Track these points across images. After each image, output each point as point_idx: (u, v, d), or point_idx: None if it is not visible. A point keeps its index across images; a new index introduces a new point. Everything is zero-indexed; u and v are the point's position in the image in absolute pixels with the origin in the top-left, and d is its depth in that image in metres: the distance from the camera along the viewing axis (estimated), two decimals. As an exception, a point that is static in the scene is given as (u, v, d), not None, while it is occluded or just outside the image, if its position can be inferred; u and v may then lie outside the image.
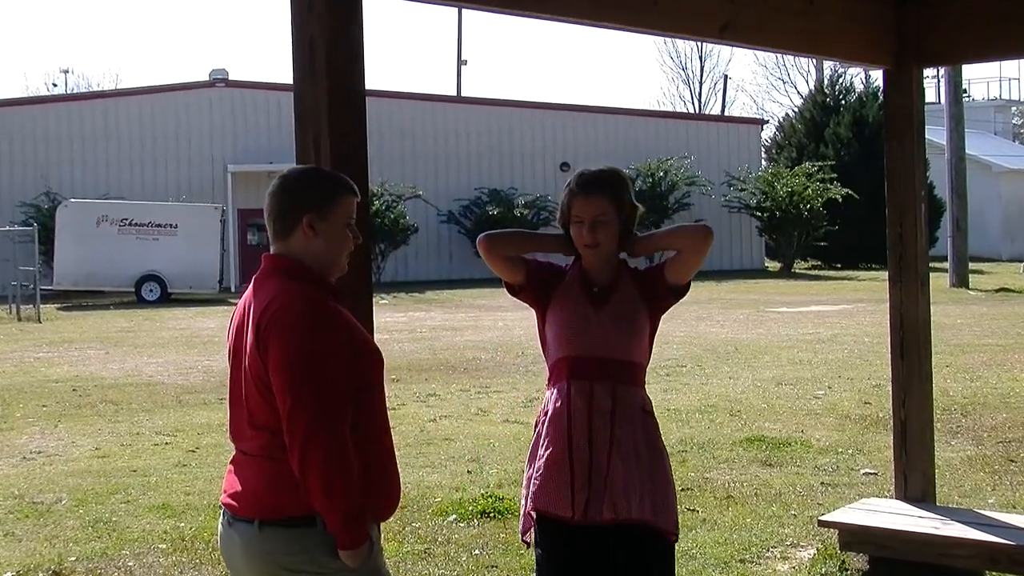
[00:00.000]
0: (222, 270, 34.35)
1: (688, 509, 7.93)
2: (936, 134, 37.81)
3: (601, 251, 4.23)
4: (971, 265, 33.18)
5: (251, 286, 3.49)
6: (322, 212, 3.41)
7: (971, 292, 29.64)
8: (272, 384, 3.27)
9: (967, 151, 33.84)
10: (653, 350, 4.51)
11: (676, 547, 4.32)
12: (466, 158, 41.03)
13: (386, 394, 3.55)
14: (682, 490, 8.72)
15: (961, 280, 31.32)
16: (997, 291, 29.79)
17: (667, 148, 42.07)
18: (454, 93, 57.20)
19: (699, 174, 41.05)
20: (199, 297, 32.72)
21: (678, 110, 71.83)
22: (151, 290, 32.89)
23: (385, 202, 36.62)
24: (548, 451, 4.25)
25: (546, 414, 4.34)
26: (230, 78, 40.55)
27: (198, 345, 20.21)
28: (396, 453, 3.56)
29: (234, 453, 3.52)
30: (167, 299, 32.40)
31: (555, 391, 4.31)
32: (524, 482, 4.37)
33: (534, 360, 16.38)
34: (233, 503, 3.43)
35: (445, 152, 40.84)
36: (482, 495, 8.37)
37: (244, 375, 3.38)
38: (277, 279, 3.40)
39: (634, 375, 4.27)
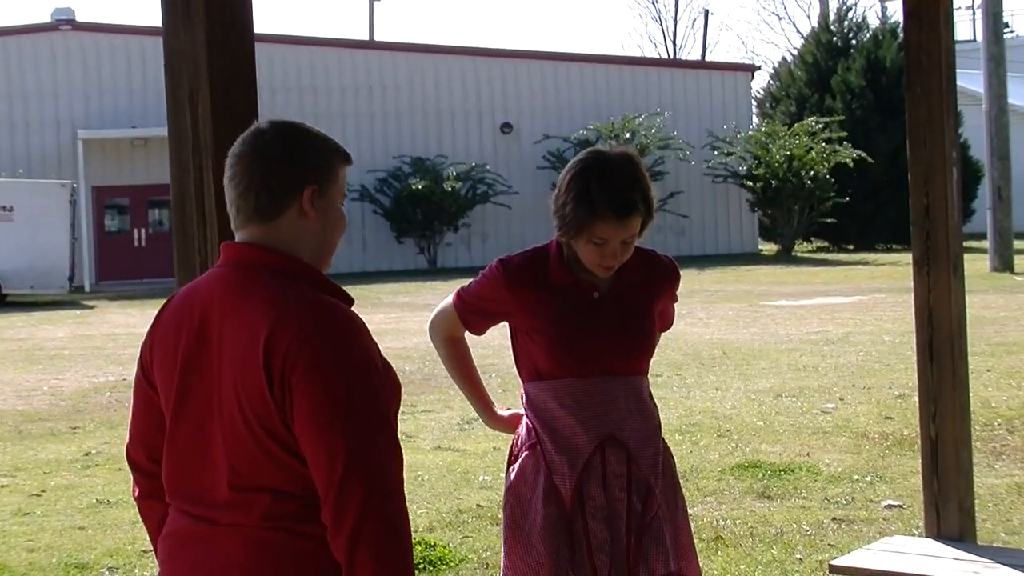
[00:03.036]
0: (73, 264, 34.09)
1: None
2: (971, 80, 38.18)
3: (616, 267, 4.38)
4: (1017, 244, 33.52)
5: (212, 290, 3.19)
6: (324, 185, 3.18)
7: (1017, 277, 29.97)
8: (300, 436, 2.99)
9: (1010, 101, 34.15)
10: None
11: None
12: (382, 119, 40.98)
13: None
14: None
15: (1004, 263, 31.65)
16: (1048, 276, 30.16)
17: (635, 103, 42.23)
18: (365, 37, 57.08)
19: (675, 135, 41.24)
20: (44, 299, 32.46)
21: (647, 55, 72.09)
22: (-20, 291, 32.63)
23: (279, 175, 36.53)
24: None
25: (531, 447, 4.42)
26: (77, 19, 40.26)
27: (43, 361, 20.06)
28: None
29: (174, 520, 3.23)
30: (1, 302, 32.12)
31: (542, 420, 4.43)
32: (506, 547, 4.40)
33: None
34: None
35: (355, 111, 40.77)
36: (409, 543, 8.38)
37: (221, 419, 3.08)
38: (267, 282, 3.11)
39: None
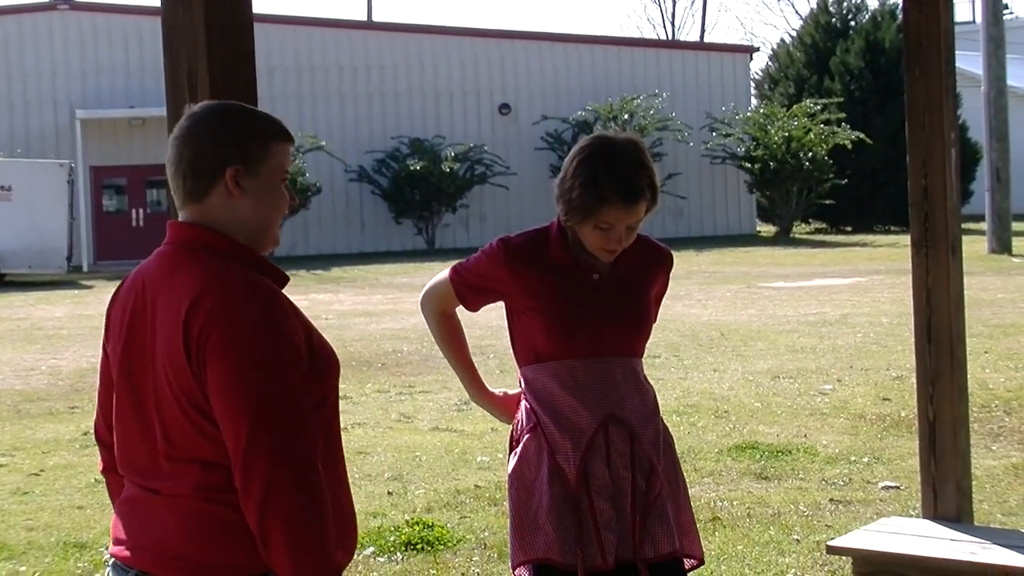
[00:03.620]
0: (71, 244, 34.09)
1: (665, 536, 7.97)
2: (970, 61, 38.12)
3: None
4: (1015, 225, 33.52)
5: (152, 266, 3.28)
6: (251, 163, 3.22)
7: (1015, 259, 29.98)
8: (213, 407, 3.08)
9: (1009, 82, 34.14)
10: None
11: None
12: (380, 99, 40.93)
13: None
14: (658, 512, 8.79)
15: (1003, 244, 31.66)
16: (1046, 258, 30.16)
17: (633, 84, 42.19)
18: (364, 17, 56.99)
19: (673, 116, 41.20)
20: (42, 279, 32.46)
21: (646, 36, 72.03)
22: (-22, 271, 32.63)
23: (277, 155, 36.49)
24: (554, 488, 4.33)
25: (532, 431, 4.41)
26: (77, -1, 40.24)
27: (41, 340, 20.07)
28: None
29: (128, 490, 3.32)
30: (0, 282, 32.12)
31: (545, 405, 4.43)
32: (513, 529, 4.41)
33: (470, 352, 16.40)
34: (136, 557, 3.20)
35: (354, 92, 40.73)
36: (407, 522, 8.38)
37: (155, 392, 3.18)
38: (200, 259, 3.18)
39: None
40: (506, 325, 4.57)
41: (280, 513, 3.03)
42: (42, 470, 10.72)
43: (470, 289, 4.53)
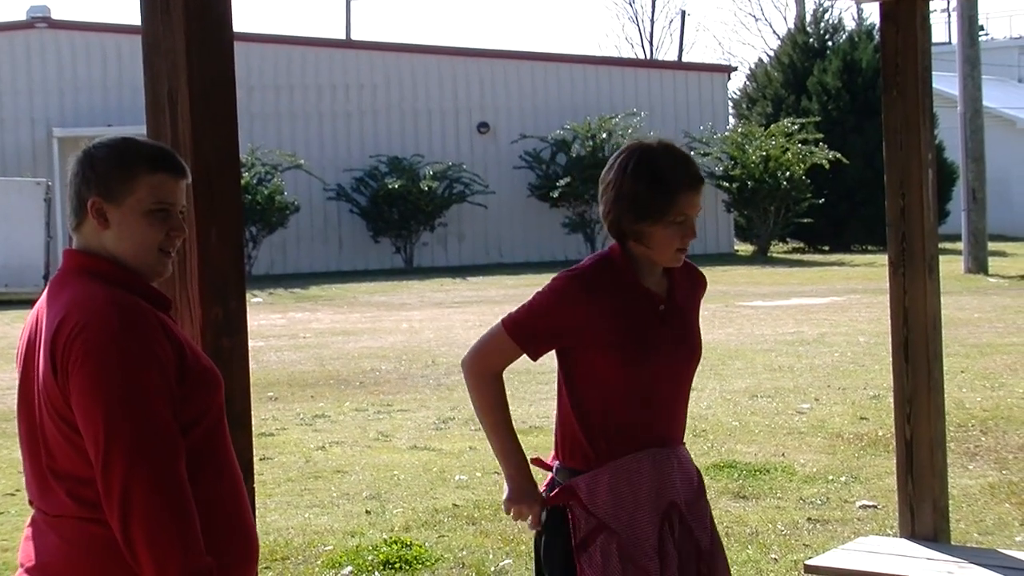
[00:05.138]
0: (48, 263, 33.96)
1: (643, 555, 7.97)
2: (946, 82, 38.29)
3: None
4: (991, 245, 33.63)
5: (46, 291, 3.41)
6: (111, 194, 3.34)
7: (991, 279, 30.07)
8: (76, 418, 3.15)
9: (985, 103, 34.27)
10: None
11: None
12: (359, 118, 40.93)
13: (228, 420, 3.47)
14: (636, 531, 8.79)
15: (979, 264, 31.74)
16: (1023, 277, 30.25)
17: (611, 103, 42.24)
18: (342, 36, 57.02)
19: (651, 135, 41.15)
20: (19, 297, 32.28)
21: (624, 55, 72.13)
22: (-45, 289, 32.48)
23: (257, 174, 36.47)
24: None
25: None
26: (53, 16, 40.14)
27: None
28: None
29: (32, 513, 3.39)
30: (-23, 300, 32.00)
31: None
32: None
33: (448, 371, 16.40)
34: None
35: (332, 111, 40.71)
36: (384, 541, 8.38)
37: (40, 411, 3.25)
38: (76, 282, 3.31)
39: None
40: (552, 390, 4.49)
41: (139, 516, 3.07)
42: (17, 490, 10.67)
43: (534, 337, 4.38)
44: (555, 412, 4.55)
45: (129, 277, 3.32)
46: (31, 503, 3.46)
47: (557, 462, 4.46)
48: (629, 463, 4.27)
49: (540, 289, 4.39)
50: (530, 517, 4.38)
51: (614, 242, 4.43)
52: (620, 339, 4.28)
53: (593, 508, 4.25)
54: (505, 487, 4.44)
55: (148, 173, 3.33)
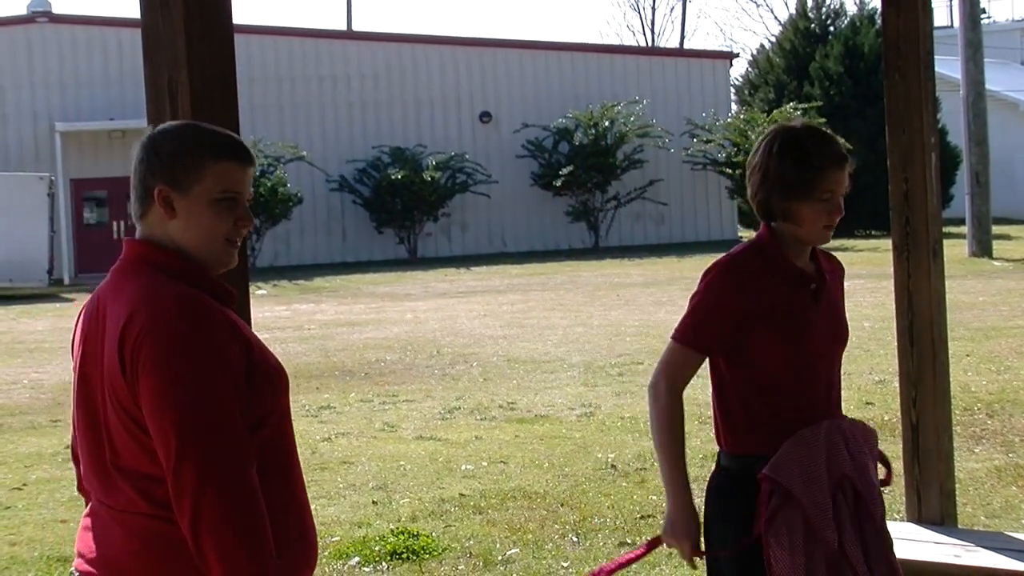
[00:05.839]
0: (52, 258, 34.00)
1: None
2: (948, 66, 38.24)
3: None
4: (995, 229, 33.61)
5: (106, 283, 3.34)
6: (180, 182, 3.25)
7: (995, 263, 30.05)
8: (146, 418, 3.10)
9: (987, 86, 34.22)
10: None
11: None
12: (361, 109, 40.91)
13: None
14: (641, 517, 8.81)
15: (983, 248, 31.73)
16: (1027, 261, 30.23)
17: (613, 91, 42.20)
18: (344, 27, 56.98)
19: (654, 122, 41.22)
20: (23, 292, 32.36)
21: (626, 43, 72.08)
22: (-41, 285, 32.53)
23: (259, 166, 36.44)
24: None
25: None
26: (54, 11, 40.13)
27: (23, 354, 20.01)
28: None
29: (91, 504, 3.34)
30: (-19, 296, 32.04)
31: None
32: None
33: (453, 361, 16.41)
34: (94, 572, 3.26)
35: (334, 102, 40.70)
36: (392, 531, 8.38)
37: (104, 406, 3.20)
38: (141, 275, 3.24)
39: None
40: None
41: (210, 522, 3.04)
42: (25, 484, 10.69)
43: (708, 338, 4.39)
44: (711, 401, 4.58)
45: (194, 270, 3.26)
46: (84, 493, 3.44)
47: (721, 450, 4.55)
48: (807, 436, 4.33)
49: (697, 291, 4.43)
50: (687, 551, 4.43)
51: (762, 227, 4.44)
52: (778, 320, 4.34)
53: (782, 481, 4.31)
54: (666, 516, 4.49)
55: (215, 161, 3.26)
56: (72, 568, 3.37)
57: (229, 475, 3.06)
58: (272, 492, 3.19)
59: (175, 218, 3.26)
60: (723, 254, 4.47)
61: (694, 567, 4.49)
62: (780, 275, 4.37)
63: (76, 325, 3.42)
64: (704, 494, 4.55)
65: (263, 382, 3.24)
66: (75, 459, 3.48)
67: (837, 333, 4.48)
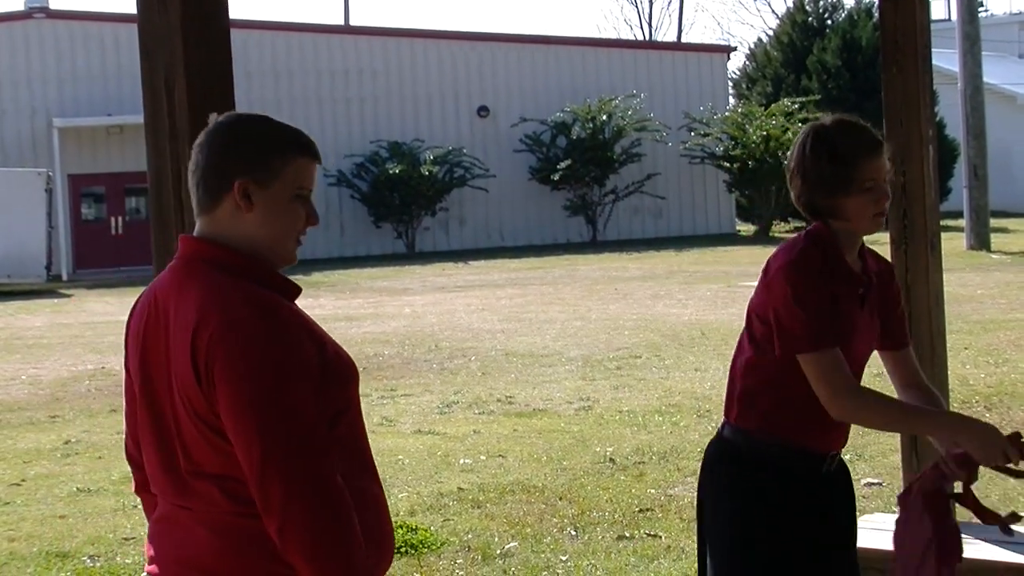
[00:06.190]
0: (50, 253, 33.99)
1: (648, 535, 7.99)
2: (946, 59, 38.21)
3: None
4: (993, 222, 33.62)
5: (164, 281, 3.23)
6: (262, 177, 3.17)
7: (993, 255, 30.06)
8: (226, 427, 3.04)
9: (985, 79, 34.23)
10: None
11: None
12: (358, 104, 40.92)
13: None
14: (640, 511, 8.81)
15: (981, 241, 31.73)
16: (1025, 253, 30.25)
17: (611, 85, 42.20)
18: (341, 22, 56.96)
19: (651, 116, 41.23)
20: (21, 288, 32.35)
21: (623, 37, 72.07)
22: (-43, 280, 32.51)
23: (256, 161, 36.42)
24: None
25: None
26: (51, 7, 40.12)
27: (21, 350, 20.01)
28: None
29: (161, 508, 3.27)
30: (-21, 291, 32.02)
31: None
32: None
33: (451, 355, 16.41)
34: (167, 573, 3.19)
35: (332, 96, 40.70)
36: (390, 527, 8.38)
37: (173, 411, 3.13)
38: (205, 274, 3.14)
39: None
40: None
41: (299, 533, 2.99)
42: (23, 480, 10.69)
43: (832, 324, 4.26)
44: (735, 373, 4.47)
45: (259, 267, 3.18)
46: (145, 496, 3.38)
47: (728, 423, 4.46)
48: None
49: (787, 299, 4.23)
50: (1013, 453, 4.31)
51: (817, 223, 4.39)
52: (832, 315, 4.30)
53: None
54: (973, 438, 4.30)
55: (295, 157, 3.22)
56: (144, 574, 3.30)
57: (315, 483, 3.01)
58: (355, 486, 3.15)
59: (251, 212, 3.17)
60: (781, 250, 4.36)
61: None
62: (837, 272, 4.33)
63: (130, 322, 3.31)
64: (701, 465, 4.55)
65: (337, 379, 3.19)
66: (132, 461, 3.42)
67: (871, 338, 4.47)
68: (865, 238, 4.45)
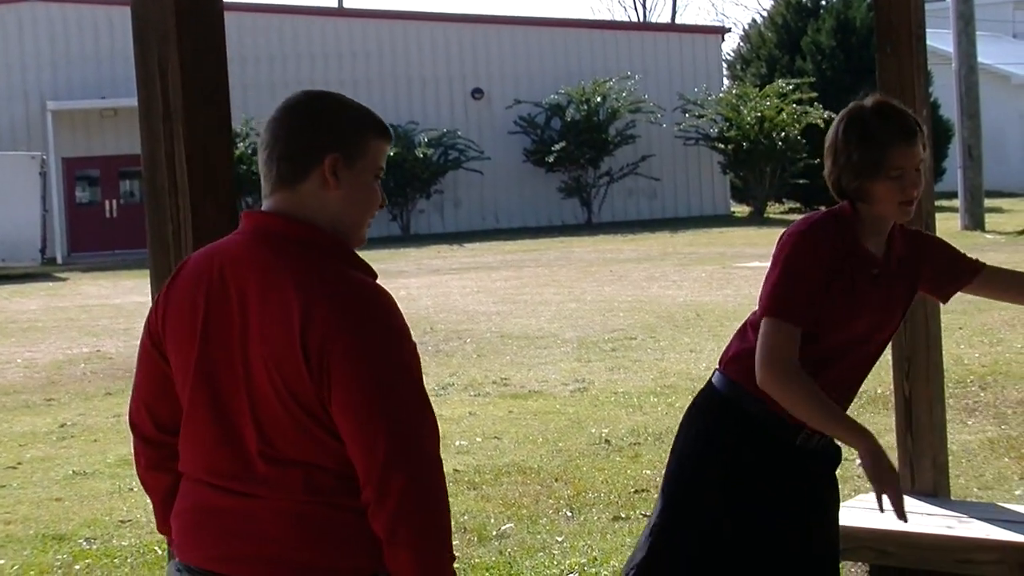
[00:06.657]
0: (44, 237, 33.98)
1: (644, 515, 8.00)
2: (940, 39, 38.18)
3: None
4: (987, 202, 33.64)
5: (235, 255, 3.13)
6: (350, 154, 3.13)
7: (987, 235, 30.08)
8: (341, 420, 2.98)
9: (979, 59, 34.20)
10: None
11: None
12: (352, 86, 40.83)
13: None
14: (635, 492, 8.82)
15: (975, 221, 31.76)
16: (1020, 233, 30.25)
17: (605, 67, 42.17)
18: (335, 4, 56.88)
19: (646, 98, 41.21)
20: (15, 271, 32.33)
21: (617, 19, 71.97)
22: (-48, 264, 32.49)
23: (251, 145, 36.38)
24: None
25: None
26: (46, -9, 40.06)
27: (16, 333, 19.99)
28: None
29: (200, 494, 3.16)
30: (-26, 275, 32.00)
31: None
32: None
33: (446, 337, 16.41)
34: (233, 568, 3.09)
35: (325, 79, 40.61)
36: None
37: (249, 390, 3.04)
38: (296, 255, 3.06)
39: None
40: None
41: (412, 526, 2.97)
42: (19, 463, 10.69)
43: (803, 306, 4.26)
44: (742, 325, 4.50)
45: (344, 248, 3.11)
46: (152, 473, 3.30)
47: (719, 371, 4.52)
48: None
49: (776, 260, 4.32)
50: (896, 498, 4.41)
51: (842, 203, 4.41)
52: (830, 295, 4.30)
53: None
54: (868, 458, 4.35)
55: (376, 138, 3.19)
56: (177, 564, 3.20)
57: (432, 470, 3.01)
58: None
59: (336, 190, 3.11)
60: (801, 219, 4.40)
61: (905, 519, 4.38)
62: (843, 251, 4.32)
63: (169, 296, 3.20)
64: (688, 409, 4.59)
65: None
66: (143, 438, 3.31)
67: (883, 320, 4.44)
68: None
